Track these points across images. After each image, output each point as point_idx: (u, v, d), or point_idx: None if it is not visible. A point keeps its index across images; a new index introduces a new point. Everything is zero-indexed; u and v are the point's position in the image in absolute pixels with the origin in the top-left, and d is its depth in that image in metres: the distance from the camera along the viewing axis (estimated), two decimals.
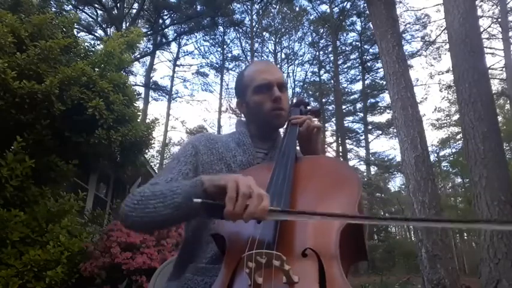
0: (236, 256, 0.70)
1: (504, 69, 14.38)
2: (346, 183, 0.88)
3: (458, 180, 24.83)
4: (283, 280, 0.60)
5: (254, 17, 23.29)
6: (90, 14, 16.09)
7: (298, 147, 1.10)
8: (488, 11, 15.77)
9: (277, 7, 22.60)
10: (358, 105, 25.73)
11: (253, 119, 1.16)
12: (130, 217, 0.87)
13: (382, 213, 26.67)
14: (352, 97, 26.04)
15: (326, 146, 24.68)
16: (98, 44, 5.80)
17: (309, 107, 1.27)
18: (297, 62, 24.63)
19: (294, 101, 1.31)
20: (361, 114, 25.53)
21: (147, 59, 19.24)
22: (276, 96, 1.07)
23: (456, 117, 20.28)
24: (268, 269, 0.60)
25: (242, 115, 1.22)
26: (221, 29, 21.85)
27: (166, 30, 18.66)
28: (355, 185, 0.85)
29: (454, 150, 23.51)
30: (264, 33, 24.56)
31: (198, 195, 0.76)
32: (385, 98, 23.58)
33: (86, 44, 5.52)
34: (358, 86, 26.49)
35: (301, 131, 1.08)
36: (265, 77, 1.10)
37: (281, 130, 1.19)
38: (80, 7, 14.76)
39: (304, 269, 0.64)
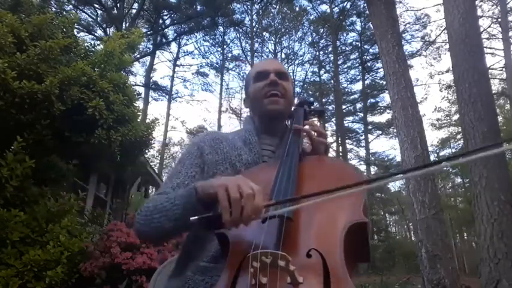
0: (240, 256, 0.70)
1: (504, 69, 14.38)
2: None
3: (458, 180, 24.84)
4: (288, 280, 0.60)
5: (254, 17, 23.31)
6: (90, 14, 16.10)
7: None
8: (488, 11, 15.77)
9: (277, 7, 22.60)
10: (358, 105, 25.74)
11: (254, 109, 1.16)
12: (142, 233, 0.92)
13: (382, 213, 26.67)
14: (352, 97, 26.06)
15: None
16: (98, 44, 5.78)
17: (312, 107, 1.25)
18: (297, 62, 24.68)
19: (296, 101, 1.30)
20: (361, 114, 25.54)
21: (147, 59, 19.25)
22: (272, 80, 1.08)
23: (456, 117, 20.28)
24: (273, 269, 0.60)
25: (249, 112, 1.22)
26: (221, 29, 21.88)
27: (166, 30, 18.69)
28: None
29: (454, 150, 23.52)
30: (264, 33, 24.58)
31: (193, 205, 0.78)
32: (385, 98, 23.59)
33: (86, 44, 5.51)
34: (358, 86, 26.53)
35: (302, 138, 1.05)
36: (263, 66, 1.14)
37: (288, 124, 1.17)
38: (80, 7, 14.77)
39: (309, 269, 0.64)
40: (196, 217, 0.70)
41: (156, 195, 0.96)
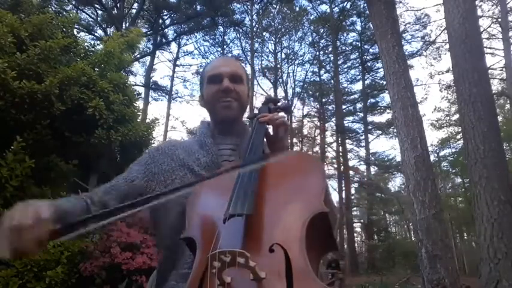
0: (204, 257, 0.70)
1: (504, 69, 14.38)
2: (311, 176, 0.89)
3: (458, 180, 24.81)
4: (251, 277, 0.61)
5: (254, 17, 23.30)
6: (90, 14, 16.10)
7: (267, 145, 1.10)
8: (488, 11, 15.76)
9: (277, 7, 22.61)
10: (358, 105, 25.71)
11: (209, 112, 1.16)
12: None
13: (382, 213, 26.67)
14: (352, 97, 26.03)
15: (326, 146, 24.69)
16: (98, 44, 5.79)
17: (278, 104, 1.26)
18: (297, 62, 24.66)
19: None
20: (361, 114, 25.49)
21: (147, 59, 19.23)
22: (225, 87, 1.07)
23: (456, 117, 20.26)
24: (234, 267, 0.61)
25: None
26: (221, 29, 21.88)
27: (166, 30, 18.69)
28: (320, 176, 0.87)
29: (454, 150, 23.49)
30: (264, 33, 24.57)
31: None
32: (385, 98, 23.56)
33: (86, 44, 5.51)
34: (358, 86, 26.44)
35: (267, 128, 1.07)
36: (216, 70, 1.12)
37: (248, 124, 1.19)
38: (80, 7, 14.77)
39: (272, 264, 0.65)
40: None
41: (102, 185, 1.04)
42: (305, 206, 0.78)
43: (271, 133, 1.06)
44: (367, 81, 24.81)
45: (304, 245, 0.68)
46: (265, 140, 1.07)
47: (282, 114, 1.11)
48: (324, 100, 25.43)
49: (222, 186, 0.90)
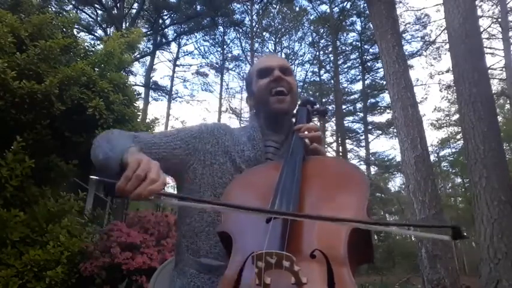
0: (244, 255, 0.70)
1: (504, 69, 14.38)
2: (354, 185, 0.87)
3: (458, 180, 24.83)
4: (292, 281, 0.60)
5: (254, 17, 23.30)
6: (90, 14, 16.10)
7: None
8: (488, 11, 15.76)
9: (277, 7, 22.61)
10: (358, 105, 25.72)
11: (259, 107, 1.13)
12: (92, 147, 1.03)
13: (382, 213, 26.67)
14: (352, 97, 26.03)
15: (326, 146, 24.68)
16: (98, 44, 5.79)
17: (315, 107, 1.26)
18: (297, 62, 24.63)
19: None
20: (361, 114, 25.50)
21: (147, 59, 19.22)
22: (276, 76, 1.06)
23: (456, 117, 20.27)
24: (277, 270, 0.60)
25: (253, 110, 1.20)
26: (221, 29, 21.88)
27: (166, 30, 18.71)
28: (364, 187, 0.84)
29: (454, 150, 23.52)
30: (264, 33, 24.56)
31: (118, 160, 0.83)
32: (385, 98, 23.55)
33: (86, 44, 5.52)
34: (358, 86, 26.43)
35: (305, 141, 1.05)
36: (266, 63, 1.12)
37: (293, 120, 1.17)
38: (80, 7, 14.77)
39: (313, 270, 0.64)
40: (97, 177, 0.74)
41: (128, 133, 1.04)
42: (349, 215, 0.76)
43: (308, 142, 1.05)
44: (367, 81, 24.81)
45: (346, 253, 0.67)
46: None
47: (317, 130, 1.07)
48: (324, 100, 25.41)
49: (261, 184, 0.89)
